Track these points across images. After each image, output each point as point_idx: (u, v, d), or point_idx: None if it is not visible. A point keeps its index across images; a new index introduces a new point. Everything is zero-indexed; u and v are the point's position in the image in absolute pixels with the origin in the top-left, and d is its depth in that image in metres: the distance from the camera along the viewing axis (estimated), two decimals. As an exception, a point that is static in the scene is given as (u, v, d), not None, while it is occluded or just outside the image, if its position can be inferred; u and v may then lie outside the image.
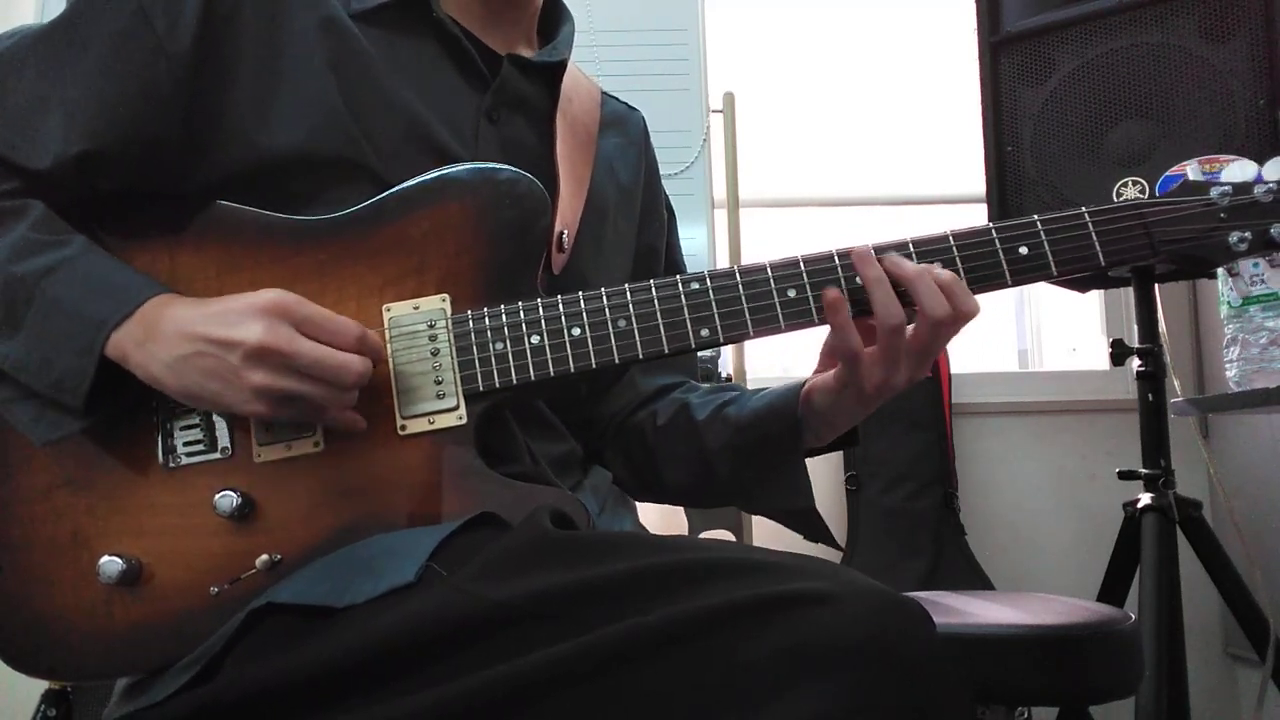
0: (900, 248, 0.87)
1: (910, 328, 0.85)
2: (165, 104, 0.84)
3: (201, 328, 0.77)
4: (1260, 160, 1.32)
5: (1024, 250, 0.87)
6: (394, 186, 0.87)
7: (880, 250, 0.86)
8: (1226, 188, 0.88)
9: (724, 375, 2.22)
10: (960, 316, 0.84)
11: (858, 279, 0.86)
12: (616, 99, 1.16)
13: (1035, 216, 0.88)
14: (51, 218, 0.83)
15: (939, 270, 0.85)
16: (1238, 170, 0.89)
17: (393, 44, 0.93)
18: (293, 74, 0.87)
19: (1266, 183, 0.88)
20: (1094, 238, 0.87)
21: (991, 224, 0.88)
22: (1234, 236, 0.88)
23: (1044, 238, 0.87)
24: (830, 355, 0.91)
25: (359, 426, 0.81)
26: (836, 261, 0.87)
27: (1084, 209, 0.88)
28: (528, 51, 1.03)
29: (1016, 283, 0.87)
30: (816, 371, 0.94)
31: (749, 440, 0.97)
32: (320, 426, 0.82)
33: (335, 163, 0.87)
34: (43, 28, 0.86)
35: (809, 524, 0.99)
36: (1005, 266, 0.87)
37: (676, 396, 1.07)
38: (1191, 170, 1.41)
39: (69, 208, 0.86)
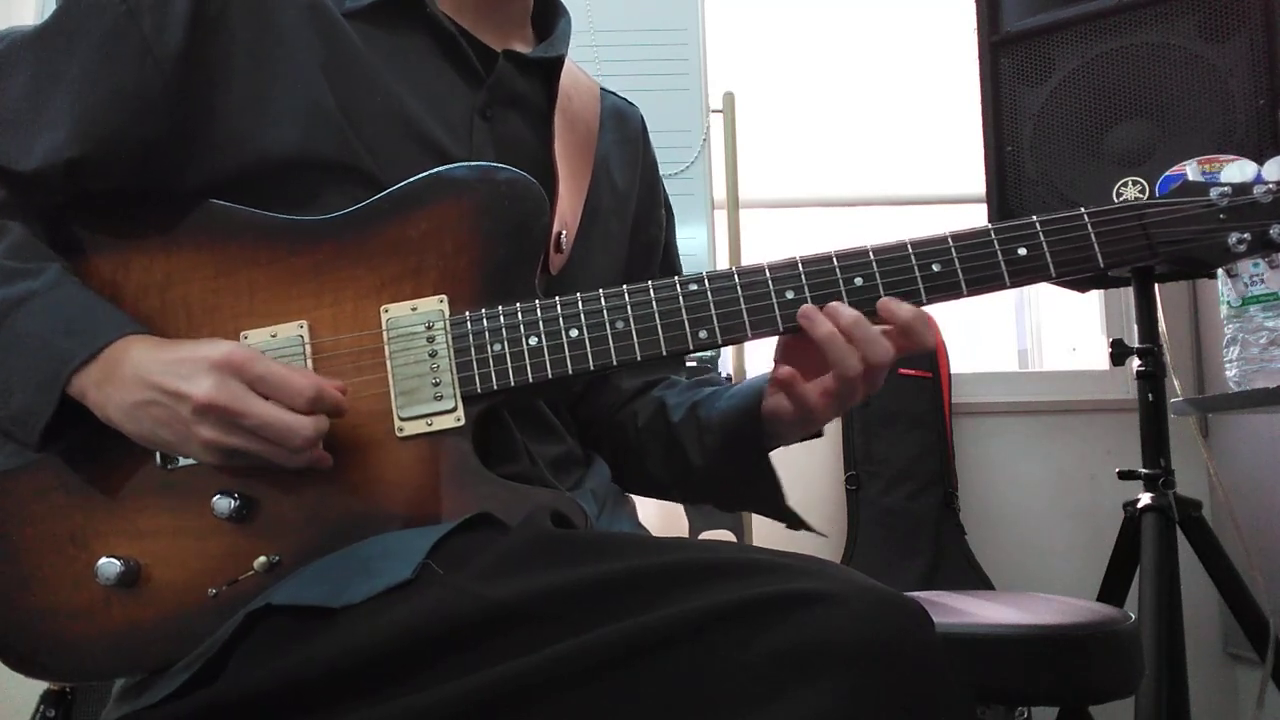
0: (899, 249, 0.87)
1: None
2: (154, 105, 0.84)
3: (157, 376, 0.76)
4: (1260, 160, 1.32)
5: (1022, 251, 0.87)
6: (387, 186, 0.86)
7: (843, 259, 0.86)
8: (1226, 188, 0.88)
9: (724, 375, 2.22)
10: (909, 350, 0.86)
11: (857, 280, 0.86)
12: (615, 95, 1.16)
13: (1034, 217, 0.87)
14: (28, 242, 0.83)
15: (898, 306, 0.85)
16: (1237, 171, 0.89)
17: (386, 41, 0.93)
18: (284, 75, 0.87)
19: (1266, 183, 0.88)
20: (1093, 239, 0.87)
21: (990, 225, 0.87)
22: (1233, 237, 0.87)
23: (1043, 239, 0.87)
24: (779, 388, 0.91)
25: (324, 464, 0.80)
26: (835, 264, 0.86)
27: (1083, 210, 0.88)
28: (524, 48, 1.03)
29: (1015, 284, 0.87)
30: (771, 388, 0.94)
31: (721, 446, 0.98)
32: None
33: (329, 164, 0.87)
34: (32, 30, 0.86)
35: (787, 517, 1.00)
36: (1004, 267, 0.87)
37: (656, 395, 1.08)
38: (1191, 170, 1.41)
39: (61, 208, 0.86)
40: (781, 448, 1.00)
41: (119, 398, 0.77)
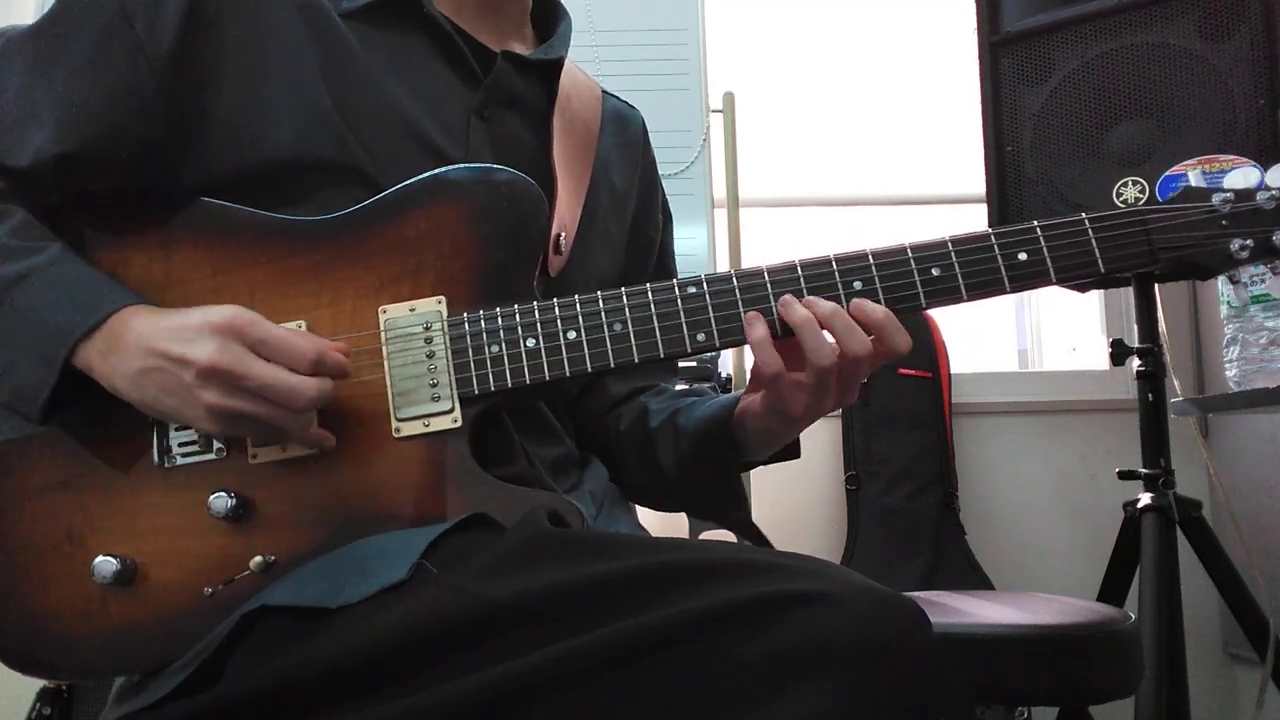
0: (898, 253, 0.86)
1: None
2: (147, 105, 0.84)
3: (159, 342, 0.77)
4: (1260, 160, 1.31)
5: (1023, 256, 0.86)
6: (385, 187, 0.87)
7: (842, 263, 0.86)
8: (1229, 194, 0.87)
9: (724, 375, 2.22)
10: (884, 354, 0.85)
11: (856, 283, 0.86)
12: (616, 97, 1.16)
13: (1035, 222, 0.87)
14: (31, 223, 0.84)
15: (870, 308, 0.84)
16: (1240, 177, 0.89)
17: (383, 42, 0.93)
18: (280, 76, 0.87)
19: (1269, 189, 0.87)
20: (1094, 244, 0.86)
21: (991, 230, 0.87)
22: (1235, 244, 0.87)
23: (1043, 244, 0.86)
24: (756, 376, 0.91)
25: (328, 444, 0.81)
26: (834, 267, 0.86)
27: (1084, 215, 0.87)
28: (523, 49, 1.03)
29: (1015, 289, 0.87)
30: (748, 390, 0.93)
31: (692, 452, 0.98)
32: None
33: (326, 165, 0.87)
34: (27, 28, 0.86)
35: (750, 534, 1.00)
36: (1004, 272, 0.86)
37: (641, 401, 1.08)
38: (1193, 176, 1.41)
39: (60, 205, 0.86)
40: (758, 467, 0.99)
41: (124, 367, 0.78)
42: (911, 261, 0.86)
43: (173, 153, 0.86)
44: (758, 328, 0.85)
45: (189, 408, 0.77)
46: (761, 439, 0.94)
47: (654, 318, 0.86)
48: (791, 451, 0.99)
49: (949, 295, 0.86)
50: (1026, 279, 0.87)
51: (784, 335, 0.85)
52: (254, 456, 0.82)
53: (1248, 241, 0.87)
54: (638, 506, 1.09)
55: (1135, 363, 1.68)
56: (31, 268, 0.80)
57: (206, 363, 0.75)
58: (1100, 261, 0.86)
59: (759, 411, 0.91)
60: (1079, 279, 0.87)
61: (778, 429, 0.92)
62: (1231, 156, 1.49)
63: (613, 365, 0.85)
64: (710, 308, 0.86)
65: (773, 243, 2.68)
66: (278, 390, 0.76)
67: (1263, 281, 1.59)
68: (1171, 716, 1.52)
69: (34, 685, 1.74)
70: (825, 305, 0.84)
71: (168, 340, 0.77)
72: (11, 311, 0.79)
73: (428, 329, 0.84)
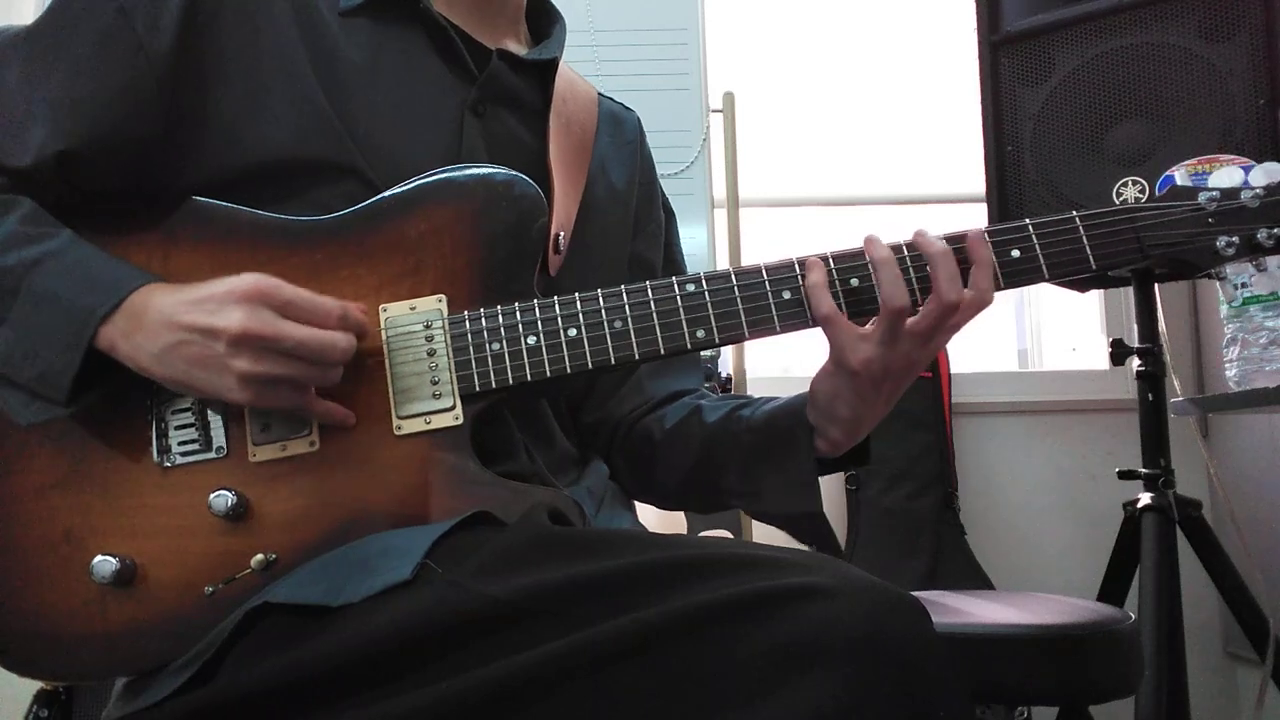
0: (894, 251, 0.87)
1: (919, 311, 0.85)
2: (147, 104, 0.85)
3: (185, 316, 0.77)
4: (1260, 160, 1.32)
5: (1016, 254, 0.88)
6: (380, 185, 0.87)
7: (839, 260, 0.87)
8: (1214, 193, 0.90)
9: (724, 375, 2.22)
10: (976, 304, 0.85)
11: (853, 280, 0.86)
12: (612, 99, 1.16)
13: (1027, 220, 0.89)
14: (40, 212, 0.84)
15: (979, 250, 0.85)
16: (1226, 176, 0.91)
17: (379, 38, 0.93)
18: (277, 76, 0.87)
19: (1253, 188, 0.89)
20: (1084, 241, 0.88)
21: (983, 228, 0.88)
22: (1221, 241, 0.89)
23: (1035, 241, 0.88)
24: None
25: (349, 422, 0.81)
26: (832, 265, 0.87)
27: (1074, 213, 0.89)
28: (518, 48, 1.03)
29: (1009, 285, 0.88)
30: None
31: (761, 440, 0.96)
32: (316, 425, 0.82)
33: (323, 164, 0.88)
34: (26, 28, 0.86)
35: (815, 531, 0.95)
36: (997, 270, 0.87)
37: (688, 401, 1.07)
38: (1179, 175, 1.42)
39: (58, 208, 0.86)
40: (830, 473, 0.96)
41: (149, 345, 0.78)
42: (907, 259, 0.87)
43: (171, 152, 0.86)
44: (816, 272, 0.85)
45: (220, 378, 0.77)
46: (830, 412, 0.91)
47: (654, 315, 0.86)
48: (860, 457, 0.96)
49: None
50: (1020, 276, 0.88)
51: (852, 316, 0.86)
52: (253, 455, 0.82)
53: (1233, 239, 0.89)
54: (637, 504, 1.09)
55: (1135, 363, 1.68)
56: (46, 252, 0.80)
57: (238, 329, 0.75)
58: (1091, 258, 0.88)
59: (826, 370, 0.90)
60: (1071, 275, 0.89)
61: (845, 393, 0.89)
62: (1230, 157, 1.49)
63: (613, 362, 0.85)
64: (709, 305, 0.86)
65: (773, 243, 2.68)
66: (311, 348, 0.77)
67: (1250, 286, 1.59)
68: (1171, 716, 1.52)
69: (31, 687, 1.73)
70: (938, 245, 0.85)
71: (194, 313, 0.77)
72: (30, 295, 0.79)
73: (428, 327, 0.84)
